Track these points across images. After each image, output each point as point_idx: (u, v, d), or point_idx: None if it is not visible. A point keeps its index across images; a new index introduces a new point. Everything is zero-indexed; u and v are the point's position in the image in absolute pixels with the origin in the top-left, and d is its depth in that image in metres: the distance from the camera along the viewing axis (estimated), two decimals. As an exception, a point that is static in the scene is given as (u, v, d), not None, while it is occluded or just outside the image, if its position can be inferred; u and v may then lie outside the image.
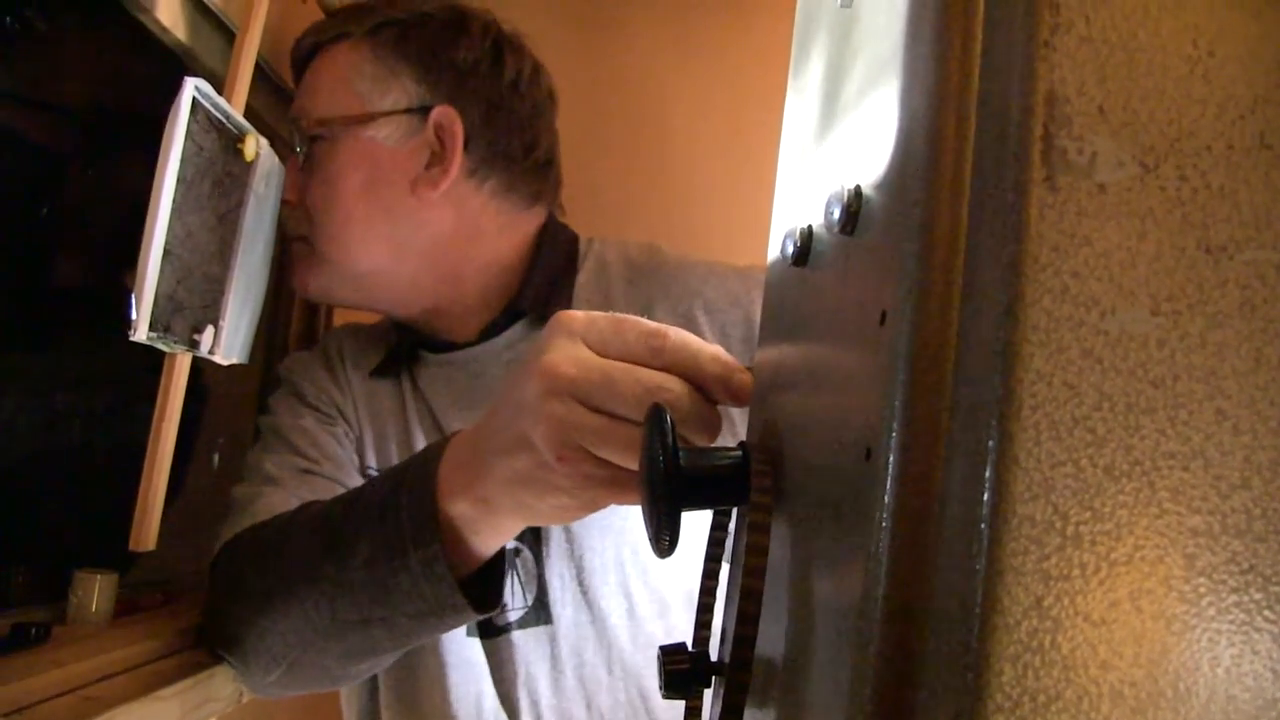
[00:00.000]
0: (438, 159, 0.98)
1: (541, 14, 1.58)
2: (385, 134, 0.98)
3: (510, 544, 0.96)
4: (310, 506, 0.83)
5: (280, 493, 0.91)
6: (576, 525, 0.96)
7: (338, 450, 1.00)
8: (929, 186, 0.32)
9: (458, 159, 0.98)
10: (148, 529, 0.79)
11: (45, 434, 0.95)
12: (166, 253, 0.74)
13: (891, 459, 0.31)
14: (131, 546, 0.78)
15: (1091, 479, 0.27)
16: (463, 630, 0.94)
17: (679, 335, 0.58)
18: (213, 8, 0.92)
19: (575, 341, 0.59)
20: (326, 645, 0.76)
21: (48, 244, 0.97)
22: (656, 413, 0.47)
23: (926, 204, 0.32)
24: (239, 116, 0.82)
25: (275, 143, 0.98)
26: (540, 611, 0.95)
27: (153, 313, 0.73)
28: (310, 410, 1.03)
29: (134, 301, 0.71)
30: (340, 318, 1.43)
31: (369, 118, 0.97)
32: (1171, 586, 0.28)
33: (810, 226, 0.45)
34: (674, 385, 0.57)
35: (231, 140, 0.83)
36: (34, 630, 0.74)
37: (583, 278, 1.05)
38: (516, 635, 0.94)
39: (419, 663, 0.95)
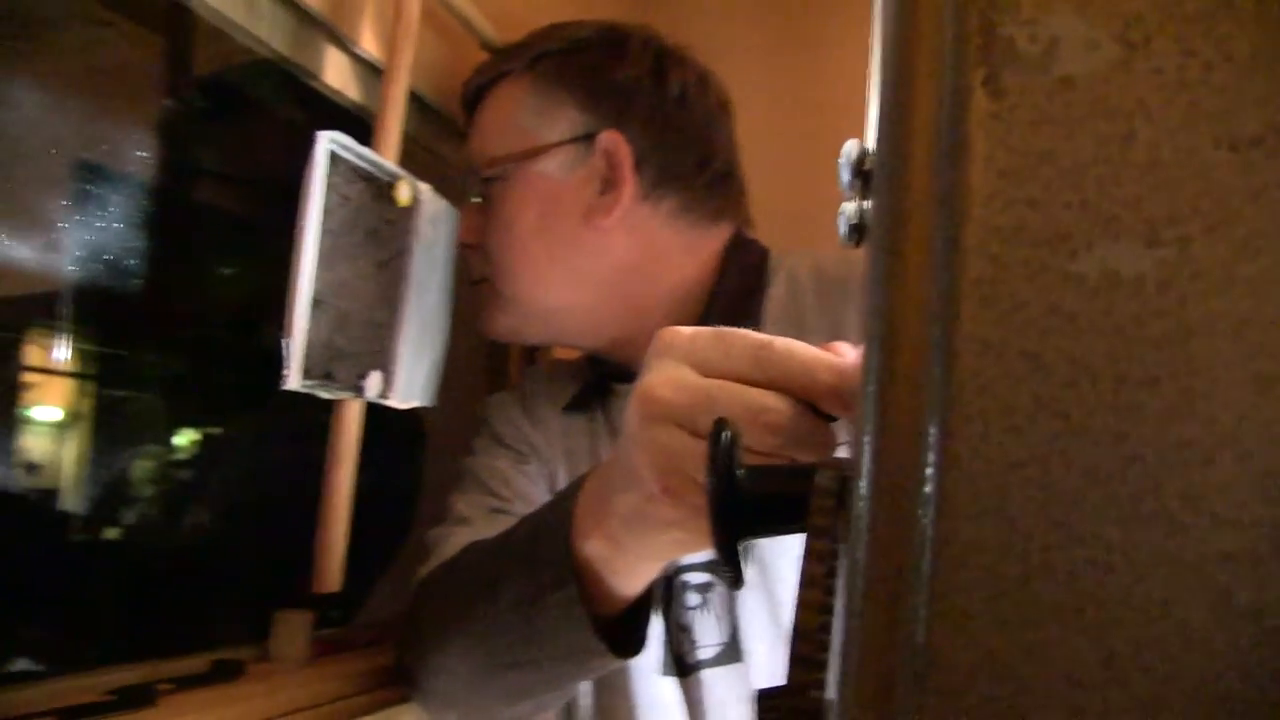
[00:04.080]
0: (609, 185, 0.96)
1: (740, 33, 1.55)
2: (554, 166, 0.96)
3: (701, 578, 0.91)
4: (474, 547, 0.82)
5: (469, 533, 0.91)
6: (769, 555, 0.90)
7: (530, 489, 0.99)
8: (888, 120, 0.25)
9: (628, 183, 0.95)
10: (330, 570, 0.81)
11: (260, 484, 1.00)
12: (318, 303, 0.76)
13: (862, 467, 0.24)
14: (316, 589, 0.80)
15: (1067, 488, 0.20)
16: (655, 670, 0.90)
17: (785, 345, 0.52)
18: (378, 65, 0.95)
19: (677, 362, 0.54)
20: (486, 687, 0.75)
21: (254, 308, 1.02)
22: (715, 431, 0.42)
23: (889, 143, 0.25)
24: (389, 164, 0.83)
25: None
26: (733, 649, 0.89)
27: (307, 361, 0.74)
28: (505, 450, 1.03)
29: (285, 352, 0.73)
30: (558, 356, 1.43)
31: (537, 152, 0.96)
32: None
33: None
34: (779, 404, 0.51)
35: (383, 188, 0.84)
36: (231, 666, 0.77)
37: (774, 293, 0.99)
38: (708, 674, 0.89)
39: (611, 704, 0.91)
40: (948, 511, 0.20)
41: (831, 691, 0.33)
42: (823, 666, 0.36)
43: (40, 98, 0.85)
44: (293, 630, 0.85)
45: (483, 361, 1.36)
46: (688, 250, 0.99)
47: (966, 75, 0.21)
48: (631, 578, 0.65)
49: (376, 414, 0.91)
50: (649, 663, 0.89)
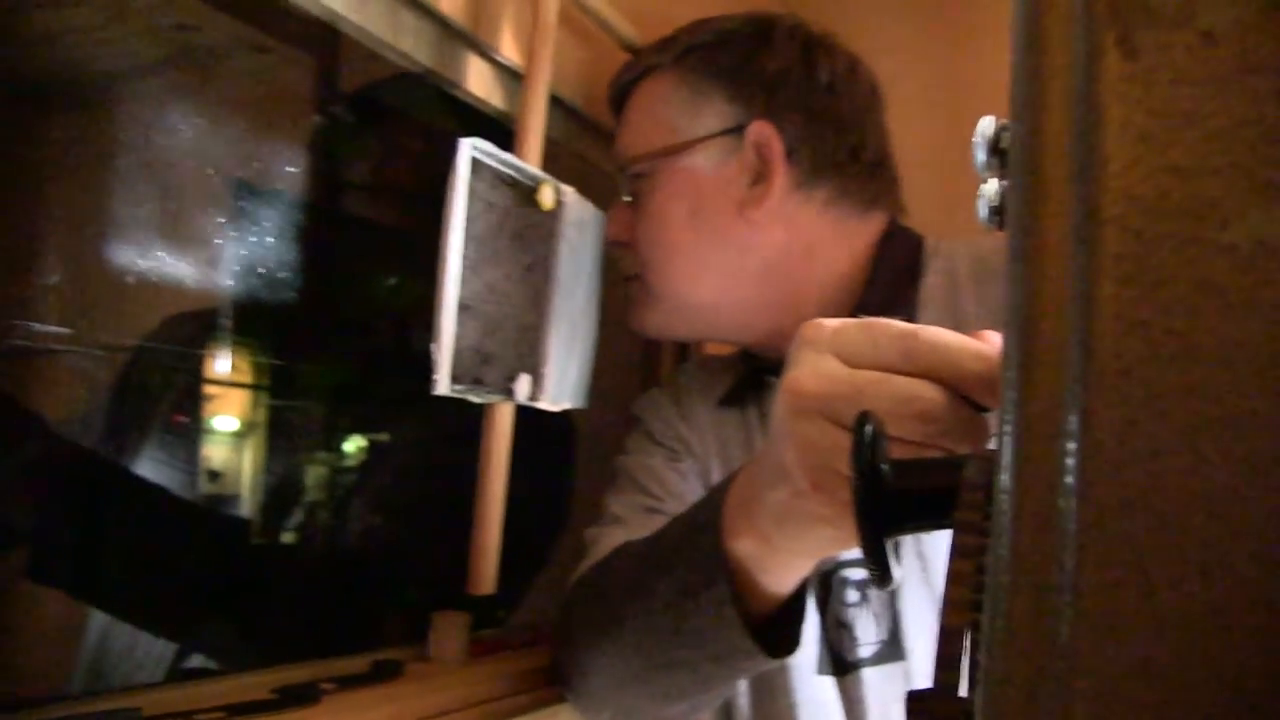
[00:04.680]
0: (760, 177, 0.94)
1: (887, 18, 1.51)
2: (703, 160, 0.95)
3: (861, 573, 0.89)
4: (626, 548, 0.82)
5: (623, 532, 0.91)
6: (930, 549, 0.87)
7: (683, 487, 0.99)
8: (1021, 90, 0.24)
9: (780, 174, 0.94)
10: (485, 572, 0.82)
11: (418, 488, 1.03)
12: (466, 308, 0.77)
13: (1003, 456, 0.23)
14: (471, 590, 0.82)
15: (1223, 479, 0.18)
16: (813, 669, 0.89)
17: (932, 334, 0.50)
18: (518, 71, 0.96)
19: (823, 353, 0.53)
20: (638, 688, 0.75)
21: (409, 315, 1.06)
22: (858, 423, 0.40)
23: (1023, 114, 0.24)
24: (532, 168, 0.84)
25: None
26: (894, 646, 0.87)
27: (455, 366, 0.76)
28: (659, 448, 1.03)
29: (434, 358, 0.75)
30: (710, 351, 1.42)
31: (685, 146, 0.96)
32: None
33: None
34: (928, 392, 0.49)
35: (527, 192, 0.85)
36: (390, 666, 0.80)
37: (930, 281, 0.96)
38: (869, 673, 0.87)
39: (771, 703, 0.90)
40: (1091, 503, 0.19)
41: (982, 696, 0.32)
42: (973, 667, 0.35)
43: (211, 124, 0.90)
44: (450, 631, 0.87)
45: (635, 361, 1.36)
46: (840, 241, 0.97)
47: (1098, 36, 0.20)
48: (784, 575, 0.64)
49: (530, 417, 0.93)
50: (807, 661, 0.88)
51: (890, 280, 0.96)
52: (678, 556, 0.69)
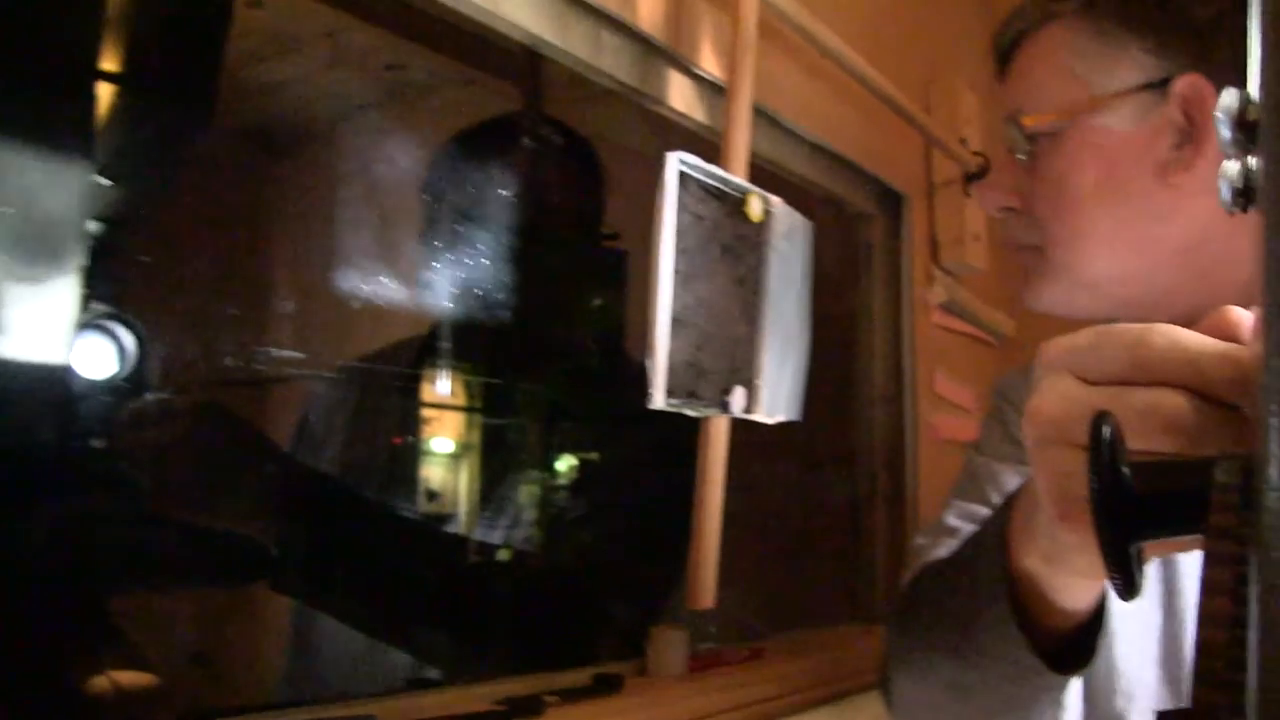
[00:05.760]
0: (1187, 137, 0.84)
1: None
2: (1118, 118, 0.86)
3: None
4: (930, 566, 0.81)
5: (951, 546, 0.87)
6: None
7: None
8: (1276, 51, 0.22)
9: (1213, 134, 0.79)
10: (704, 587, 0.83)
11: (634, 503, 1.04)
12: (678, 322, 0.78)
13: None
14: (690, 605, 0.82)
15: None
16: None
17: (1168, 337, 0.45)
18: (720, 84, 0.97)
19: (1060, 373, 0.50)
20: (945, 709, 0.74)
21: (618, 331, 1.08)
22: (1094, 425, 0.38)
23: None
24: (738, 179, 0.84)
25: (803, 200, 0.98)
26: None
27: (671, 380, 0.77)
28: (1009, 448, 0.97)
29: (650, 372, 0.76)
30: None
31: (1098, 103, 0.87)
32: None
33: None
34: (1169, 400, 0.45)
35: (735, 204, 0.85)
36: (611, 680, 0.82)
37: None
38: None
39: None
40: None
41: (1251, 716, 0.29)
42: (1237, 687, 0.32)
43: (423, 155, 0.95)
44: (669, 645, 0.88)
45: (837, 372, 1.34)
46: None
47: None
48: (1077, 593, 0.61)
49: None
50: None
51: None
52: (968, 574, 0.67)
